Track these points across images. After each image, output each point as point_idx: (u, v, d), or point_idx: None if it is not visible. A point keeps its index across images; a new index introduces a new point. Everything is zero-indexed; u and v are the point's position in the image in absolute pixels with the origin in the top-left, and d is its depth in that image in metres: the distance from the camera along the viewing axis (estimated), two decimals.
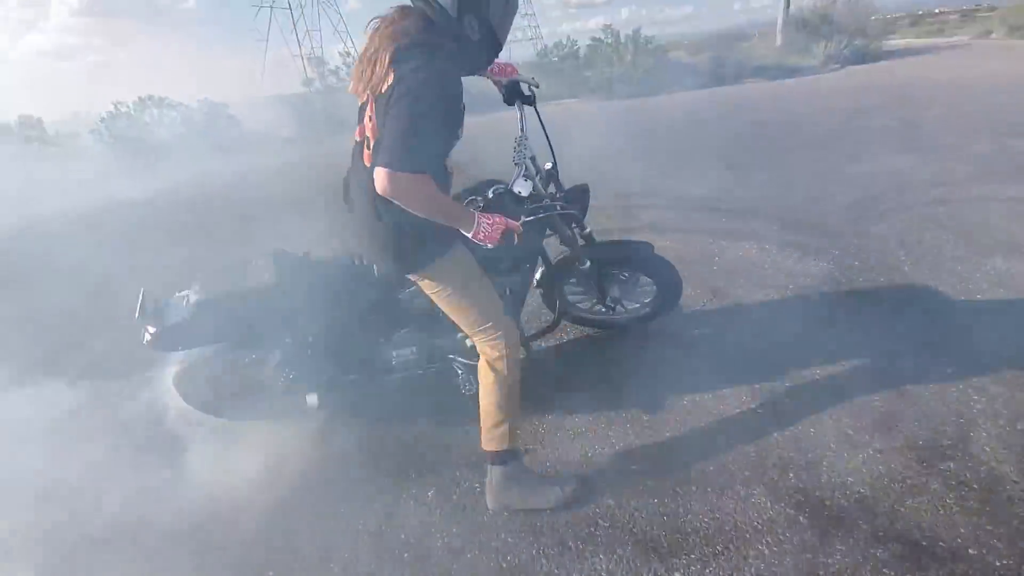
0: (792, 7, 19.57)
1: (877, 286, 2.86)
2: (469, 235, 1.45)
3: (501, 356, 1.64)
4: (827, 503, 1.66)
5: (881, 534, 1.54)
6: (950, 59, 14.78)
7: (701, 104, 10.70)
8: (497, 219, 1.46)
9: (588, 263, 2.24)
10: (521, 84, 1.78)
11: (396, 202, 1.34)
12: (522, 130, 1.73)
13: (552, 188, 1.95)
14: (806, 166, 5.17)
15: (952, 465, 1.74)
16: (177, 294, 1.87)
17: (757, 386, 2.18)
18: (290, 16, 34.75)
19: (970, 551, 1.48)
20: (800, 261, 3.20)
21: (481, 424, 1.70)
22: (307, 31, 37.22)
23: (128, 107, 13.26)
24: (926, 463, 1.76)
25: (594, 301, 2.48)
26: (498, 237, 1.45)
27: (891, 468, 1.75)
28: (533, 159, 1.83)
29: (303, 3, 37.80)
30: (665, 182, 4.95)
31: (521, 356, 1.82)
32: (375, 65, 1.35)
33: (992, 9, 24.93)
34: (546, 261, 2.25)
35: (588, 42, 16.50)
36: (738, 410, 2.08)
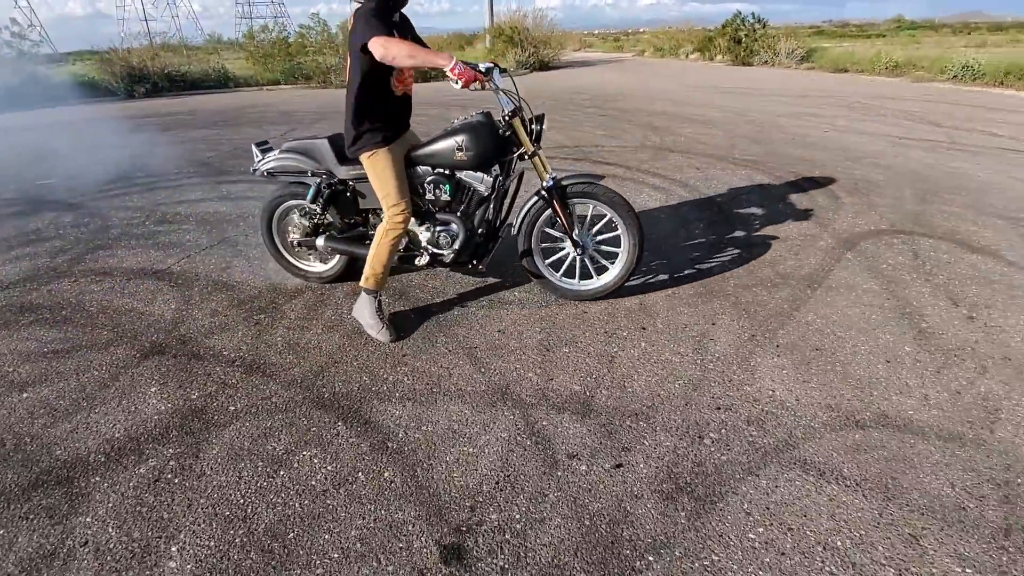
0: (496, 18, 22.44)
1: None
2: (448, 68, 2.13)
3: (394, 227, 2.44)
4: None
5: None
6: (600, 71, 18.88)
7: None
8: (468, 68, 2.18)
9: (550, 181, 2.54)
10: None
11: (389, 58, 2.10)
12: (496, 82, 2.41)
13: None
14: None
15: None
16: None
17: None
18: None
19: None
20: None
21: (365, 265, 2.53)
22: None
23: None
24: None
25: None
26: (468, 77, 2.15)
27: None
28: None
29: None
30: None
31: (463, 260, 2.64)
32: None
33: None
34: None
35: (297, 29, 16.55)
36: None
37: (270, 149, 2.88)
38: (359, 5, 2.23)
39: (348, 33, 2.45)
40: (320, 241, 2.83)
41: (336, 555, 1.51)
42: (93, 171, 5.70)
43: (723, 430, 1.94)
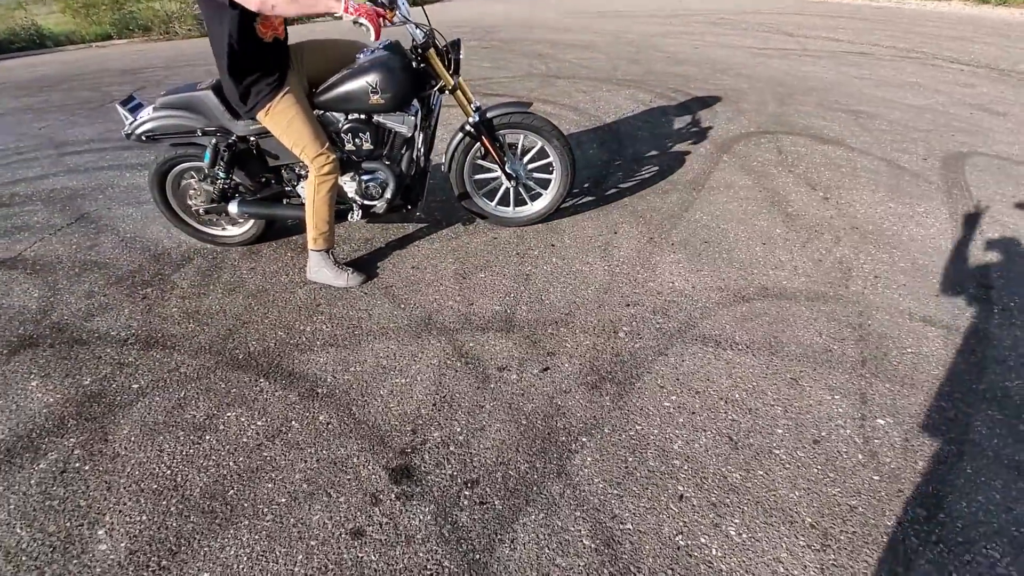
0: None
1: None
2: (340, 10, 1.87)
3: (324, 180, 2.23)
4: None
5: None
6: (477, 2, 18.17)
7: None
8: (365, 3, 1.90)
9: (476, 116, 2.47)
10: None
11: (268, 8, 1.84)
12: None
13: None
14: None
15: None
16: None
17: None
18: None
19: None
20: None
21: (306, 226, 2.36)
22: None
23: None
24: None
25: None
26: (368, 14, 1.90)
27: None
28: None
29: None
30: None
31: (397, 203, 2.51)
32: None
33: None
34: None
35: None
36: None
37: (140, 106, 2.45)
38: None
39: None
40: (233, 208, 2.52)
41: (283, 500, 1.51)
42: None
43: (634, 323, 2.11)
